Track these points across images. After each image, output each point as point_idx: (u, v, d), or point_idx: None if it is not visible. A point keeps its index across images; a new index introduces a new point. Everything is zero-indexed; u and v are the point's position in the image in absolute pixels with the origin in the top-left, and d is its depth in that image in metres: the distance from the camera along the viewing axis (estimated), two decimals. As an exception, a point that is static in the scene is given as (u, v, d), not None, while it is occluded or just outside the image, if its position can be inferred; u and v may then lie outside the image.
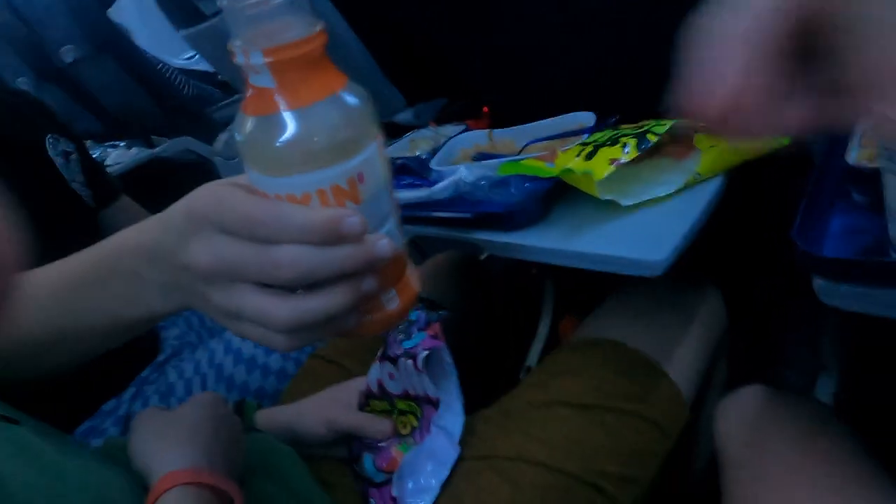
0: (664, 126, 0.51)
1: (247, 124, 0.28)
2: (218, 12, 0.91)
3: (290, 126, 0.27)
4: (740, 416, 0.48)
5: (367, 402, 0.56)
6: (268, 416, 0.58)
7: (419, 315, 0.53)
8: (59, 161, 0.74)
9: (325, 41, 0.27)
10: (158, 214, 0.32)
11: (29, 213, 0.66)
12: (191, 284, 0.30)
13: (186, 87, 1.48)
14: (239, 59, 0.26)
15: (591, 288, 0.89)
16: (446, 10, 0.75)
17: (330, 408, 0.56)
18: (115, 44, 1.43)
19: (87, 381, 0.72)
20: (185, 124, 1.48)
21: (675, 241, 0.45)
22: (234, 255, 0.27)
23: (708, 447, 0.65)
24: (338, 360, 0.72)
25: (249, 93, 0.28)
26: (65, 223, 0.71)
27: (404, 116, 0.96)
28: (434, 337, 0.49)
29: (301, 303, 0.27)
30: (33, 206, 0.67)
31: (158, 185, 1.66)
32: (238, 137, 0.28)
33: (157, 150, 1.43)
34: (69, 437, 0.44)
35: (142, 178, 1.40)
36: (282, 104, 0.27)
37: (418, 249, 1.24)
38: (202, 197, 0.29)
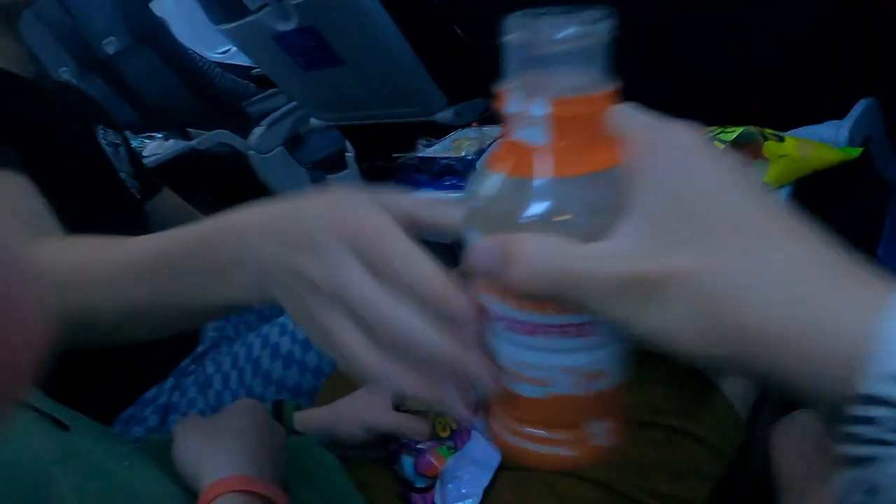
0: (732, 133, 0.49)
1: (491, 182, 0.23)
2: (263, 7, 0.91)
3: (552, 196, 0.21)
4: (799, 443, 0.45)
5: (402, 401, 0.55)
6: (305, 419, 0.58)
7: None
8: (109, 151, 0.74)
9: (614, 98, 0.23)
10: (282, 204, 0.29)
11: (84, 204, 0.67)
12: (291, 286, 0.27)
13: (223, 80, 1.50)
14: (511, 106, 0.22)
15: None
16: (494, 6, 0.74)
17: (366, 409, 0.55)
18: (156, 36, 1.45)
19: (129, 369, 0.73)
20: (220, 117, 1.49)
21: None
22: (357, 290, 0.24)
23: (758, 465, 0.63)
24: None
25: (504, 146, 0.23)
26: (117, 214, 0.72)
27: (444, 116, 0.95)
28: None
29: (384, 362, 0.25)
30: (88, 198, 0.68)
31: (194, 177, 1.67)
32: (473, 197, 0.23)
33: (194, 142, 1.44)
34: (114, 439, 0.43)
35: (179, 169, 1.41)
36: (549, 168, 0.21)
37: (451, 254, 1.24)
38: (357, 216, 0.25)
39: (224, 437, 0.43)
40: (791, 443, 0.46)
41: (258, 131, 1.43)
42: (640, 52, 0.65)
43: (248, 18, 0.94)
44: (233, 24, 1.00)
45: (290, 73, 1.05)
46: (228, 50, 2.08)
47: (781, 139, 0.51)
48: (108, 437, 0.41)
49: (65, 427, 0.33)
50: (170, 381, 0.74)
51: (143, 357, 0.74)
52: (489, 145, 0.70)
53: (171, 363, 0.75)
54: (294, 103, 1.46)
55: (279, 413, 0.57)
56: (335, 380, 0.72)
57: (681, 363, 0.56)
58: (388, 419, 0.53)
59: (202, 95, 1.45)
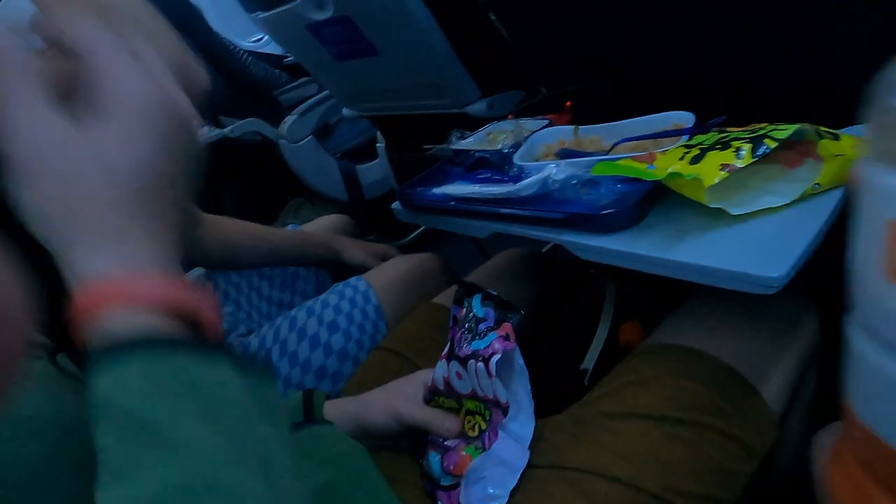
0: (786, 131, 0.47)
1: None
2: (298, -5, 0.90)
3: None
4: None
5: (433, 397, 0.55)
6: (335, 408, 0.57)
7: (488, 312, 0.51)
8: None
9: None
10: None
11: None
12: None
13: (255, 68, 1.50)
14: None
15: (656, 293, 0.85)
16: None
17: (397, 401, 0.55)
18: (190, 23, 1.46)
19: None
20: (252, 105, 1.49)
21: (793, 257, 0.42)
22: None
23: (788, 464, 0.61)
24: (402, 351, 0.71)
25: None
26: None
27: (477, 107, 0.93)
28: (505, 338, 0.47)
29: None
30: None
31: (226, 165, 1.69)
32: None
33: (227, 129, 1.45)
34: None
35: (211, 157, 1.43)
36: None
37: (479, 248, 1.22)
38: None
39: (110, 190, 0.25)
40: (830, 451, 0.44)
41: (289, 120, 1.43)
42: (694, 47, 0.63)
43: (283, 7, 0.94)
44: (267, 13, 1.00)
45: (322, 62, 1.04)
46: (261, 38, 2.09)
47: (837, 137, 0.49)
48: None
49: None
50: None
51: None
52: (526, 138, 0.68)
53: None
54: (325, 93, 1.46)
55: (310, 401, 0.57)
56: (363, 373, 0.72)
57: (716, 359, 0.54)
58: (421, 412, 0.53)
59: (235, 83, 1.45)
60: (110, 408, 0.22)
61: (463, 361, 0.49)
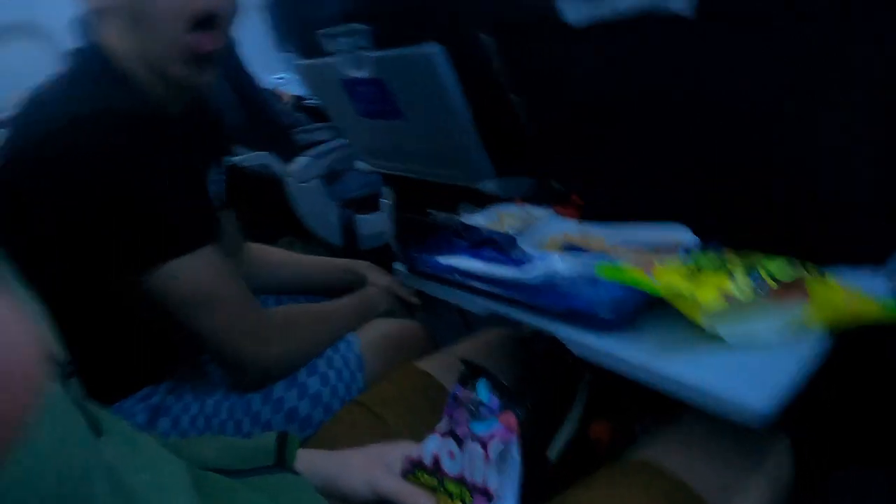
0: (781, 268, 0.50)
1: None
2: (339, 52, 0.95)
3: None
4: None
5: (413, 470, 0.54)
6: (310, 460, 0.56)
7: (492, 398, 0.52)
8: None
9: None
10: None
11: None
12: None
13: (278, 107, 1.54)
14: None
15: (631, 394, 0.86)
16: (559, 96, 0.77)
17: (375, 466, 0.54)
18: (224, 52, 1.51)
19: (132, 364, 0.73)
20: (267, 139, 1.53)
21: (779, 392, 0.44)
22: None
23: None
24: (378, 411, 0.70)
25: None
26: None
27: (488, 186, 0.97)
28: (509, 429, 0.48)
29: None
30: None
31: (230, 192, 1.70)
32: None
33: (238, 158, 1.47)
34: (141, 443, 0.42)
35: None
36: None
37: (464, 319, 1.23)
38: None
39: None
40: None
41: (301, 160, 1.47)
42: (698, 168, 0.68)
43: (323, 59, 0.99)
44: (306, 62, 1.05)
45: (347, 115, 1.09)
46: (284, 77, 2.16)
47: (824, 276, 0.52)
48: (134, 440, 0.40)
49: (98, 432, 0.33)
50: (168, 384, 0.74)
51: (148, 353, 0.74)
52: (534, 226, 0.71)
53: (171, 365, 0.76)
54: (342, 141, 1.51)
55: (283, 446, 0.55)
56: (332, 426, 0.70)
57: (686, 486, 0.54)
58: (394, 484, 0.52)
59: (255, 116, 1.49)
60: None
61: (460, 441, 0.49)
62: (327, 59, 0.97)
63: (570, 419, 1.06)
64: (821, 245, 0.57)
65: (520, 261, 0.67)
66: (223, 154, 0.90)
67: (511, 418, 0.48)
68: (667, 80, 0.63)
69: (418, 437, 0.65)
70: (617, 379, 0.52)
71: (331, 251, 1.53)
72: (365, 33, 0.88)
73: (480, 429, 0.48)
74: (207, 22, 0.67)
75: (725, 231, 0.63)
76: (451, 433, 0.50)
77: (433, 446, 0.51)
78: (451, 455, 0.50)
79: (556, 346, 0.58)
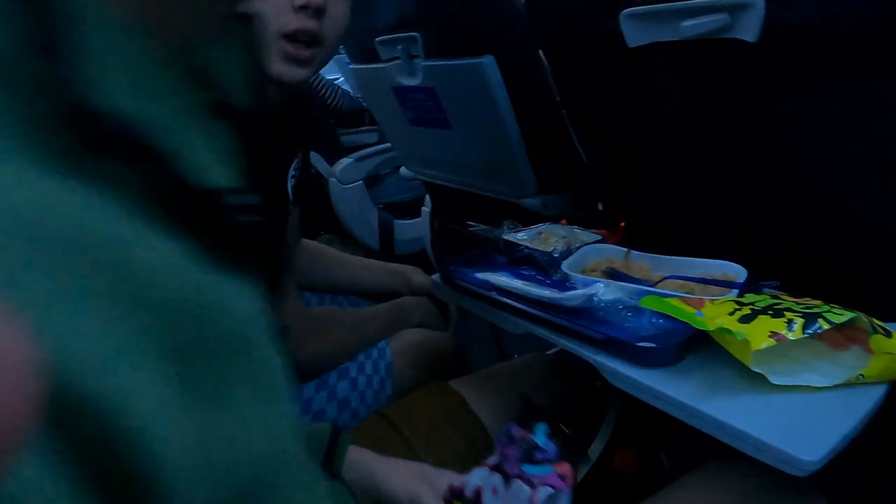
0: (841, 316, 0.48)
1: None
2: (393, 59, 0.96)
3: None
4: None
5: (452, 499, 0.53)
6: (358, 456, 0.56)
7: (549, 444, 0.50)
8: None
9: None
10: None
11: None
12: None
13: (342, 100, 1.56)
14: None
15: (659, 425, 0.83)
16: (614, 119, 0.76)
17: (422, 485, 0.53)
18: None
19: None
20: (315, 139, 1.55)
21: (830, 443, 0.41)
22: None
23: None
24: (399, 424, 0.69)
25: None
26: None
27: (532, 202, 0.96)
28: (563, 479, 0.46)
29: None
30: None
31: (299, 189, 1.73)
32: None
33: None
34: None
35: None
36: None
37: (496, 338, 1.22)
38: None
39: None
40: None
41: (345, 162, 1.48)
42: (758, 205, 0.65)
43: (376, 65, 0.99)
44: (359, 66, 1.06)
45: (396, 121, 1.09)
46: (337, 79, 2.19)
47: (889, 334, 0.49)
48: None
49: None
50: None
51: None
52: (577, 248, 0.70)
53: None
54: (386, 145, 1.52)
55: (335, 442, 0.55)
56: (361, 434, 0.70)
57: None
58: None
59: (307, 114, 1.51)
60: None
61: (508, 478, 0.48)
62: (380, 66, 0.98)
63: (596, 445, 1.04)
64: (887, 300, 0.54)
65: (560, 282, 0.66)
66: (306, 149, 0.88)
67: (568, 469, 0.47)
68: (729, 108, 0.60)
69: (434, 458, 0.64)
70: (645, 407, 0.50)
71: (367, 253, 1.54)
72: (419, 42, 0.89)
73: (532, 471, 0.47)
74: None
75: (783, 274, 0.61)
76: (500, 469, 0.49)
77: (478, 479, 0.50)
78: (495, 491, 0.49)
79: (586, 371, 0.56)
